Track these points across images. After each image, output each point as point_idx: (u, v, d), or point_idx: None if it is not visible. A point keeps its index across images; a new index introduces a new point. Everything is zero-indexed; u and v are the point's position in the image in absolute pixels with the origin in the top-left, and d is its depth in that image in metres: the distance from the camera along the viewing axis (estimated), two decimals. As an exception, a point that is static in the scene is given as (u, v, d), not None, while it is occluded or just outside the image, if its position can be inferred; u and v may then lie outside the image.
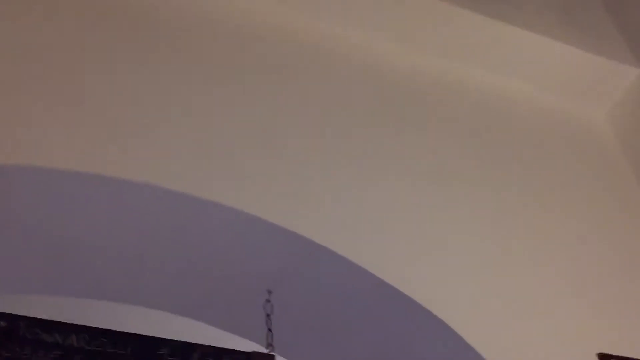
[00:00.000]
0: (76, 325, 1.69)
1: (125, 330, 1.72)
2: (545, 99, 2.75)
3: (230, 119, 1.96)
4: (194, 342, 1.78)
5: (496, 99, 2.64)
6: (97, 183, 1.67)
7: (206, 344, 1.79)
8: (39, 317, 1.66)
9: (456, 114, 2.46)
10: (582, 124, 2.76)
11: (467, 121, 2.46)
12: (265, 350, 1.85)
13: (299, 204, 1.85)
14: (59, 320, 1.67)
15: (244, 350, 1.82)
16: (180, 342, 1.76)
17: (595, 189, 2.49)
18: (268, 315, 1.94)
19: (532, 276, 2.04)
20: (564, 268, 2.10)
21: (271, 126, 2.01)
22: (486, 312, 1.87)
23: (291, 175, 1.91)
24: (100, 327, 1.70)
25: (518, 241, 2.12)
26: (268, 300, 1.97)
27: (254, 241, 1.85)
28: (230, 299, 2.05)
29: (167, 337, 1.76)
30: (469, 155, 2.32)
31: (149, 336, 1.74)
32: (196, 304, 2.07)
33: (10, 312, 1.63)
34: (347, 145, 2.08)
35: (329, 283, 1.89)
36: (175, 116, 1.88)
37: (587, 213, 2.36)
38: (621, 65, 2.77)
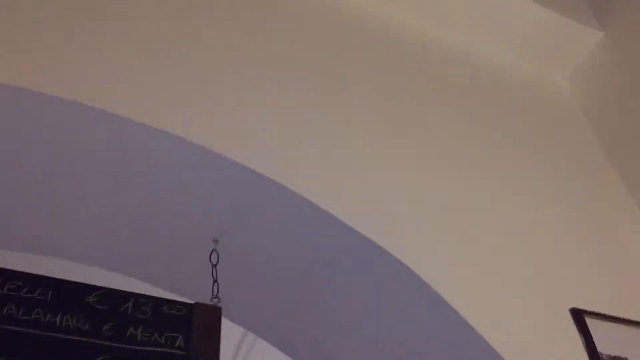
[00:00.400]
0: (-14, 266, 1.43)
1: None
2: (506, 57, 2.64)
3: (179, 41, 1.74)
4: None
5: (454, 54, 2.51)
6: (8, 97, 1.41)
7: (142, 293, 1.56)
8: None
9: (413, 69, 2.30)
10: (542, 84, 2.66)
11: (423, 77, 2.30)
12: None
13: (253, 135, 1.64)
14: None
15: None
16: (111, 289, 1.53)
17: (556, 149, 2.38)
18: (214, 266, 1.73)
19: (503, 232, 1.89)
20: (534, 224, 1.97)
21: (220, 47, 1.80)
22: (457, 265, 1.71)
23: (241, 102, 1.70)
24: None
25: (486, 195, 1.97)
26: (214, 250, 1.75)
27: (199, 177, 1.63)
28: (171, 252, 1.83)
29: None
30: (424, 110, 2.17)
31: (73, 282, 1.50)
32: (130, 257, 1.84)
33: None
34: (302, 74, 1.89)
35: (284, 228, 1.69)
36: (116, 30, 1.64)
37: (551, 172, 2.25)
38: (584, 27, 2.68)
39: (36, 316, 1.40)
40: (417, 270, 1.61)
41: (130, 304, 1.53)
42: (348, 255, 1.67)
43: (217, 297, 1.66)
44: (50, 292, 1.45)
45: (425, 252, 1.67)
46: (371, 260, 1.64)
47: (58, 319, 1.42)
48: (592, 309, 1.81)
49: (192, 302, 1.61)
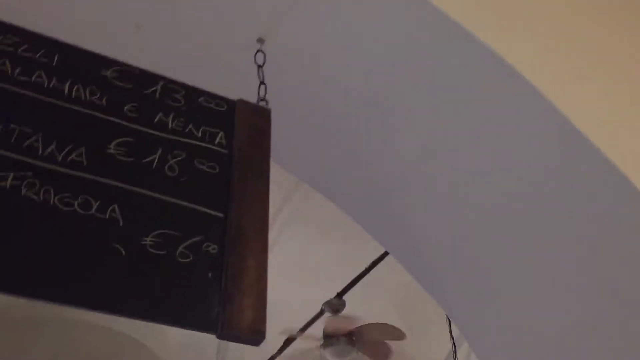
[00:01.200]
0: (-27, 14, 1.09)
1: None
2: None
3: None
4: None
5: None
6: None
7: (175, 78, 1.22)
8: None
9: None
10: None
11: None
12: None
13: None
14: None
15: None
16: (134, 66, 1.19)
17: None
18: (260, 67, 1.38)
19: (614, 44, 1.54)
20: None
21: None
22: (583, 85, 1.37)
23: None
24: None
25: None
26: (259, 51, 1.41)
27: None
28: (208, 55, 1.48)
29: (115, 62, 1.18)
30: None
31: (85, 49, 1.16)
32: (157, 59, 1.48)
33: None
34: None
35: (342, 17, 1.33)
36: None
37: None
38: None
39: (38, 79, 1.06)
40: (525, 72, 1.27)
41: (158, 87, 1.19)
42: (429, 49, 1.32)
43: (264, 99, 1.32)
44: (56, 57, 1.10)
45: (530, 47, 1.32)
46: (468, 56, 1.29)
47: (66, 87, 1.08)
48: None
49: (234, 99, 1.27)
